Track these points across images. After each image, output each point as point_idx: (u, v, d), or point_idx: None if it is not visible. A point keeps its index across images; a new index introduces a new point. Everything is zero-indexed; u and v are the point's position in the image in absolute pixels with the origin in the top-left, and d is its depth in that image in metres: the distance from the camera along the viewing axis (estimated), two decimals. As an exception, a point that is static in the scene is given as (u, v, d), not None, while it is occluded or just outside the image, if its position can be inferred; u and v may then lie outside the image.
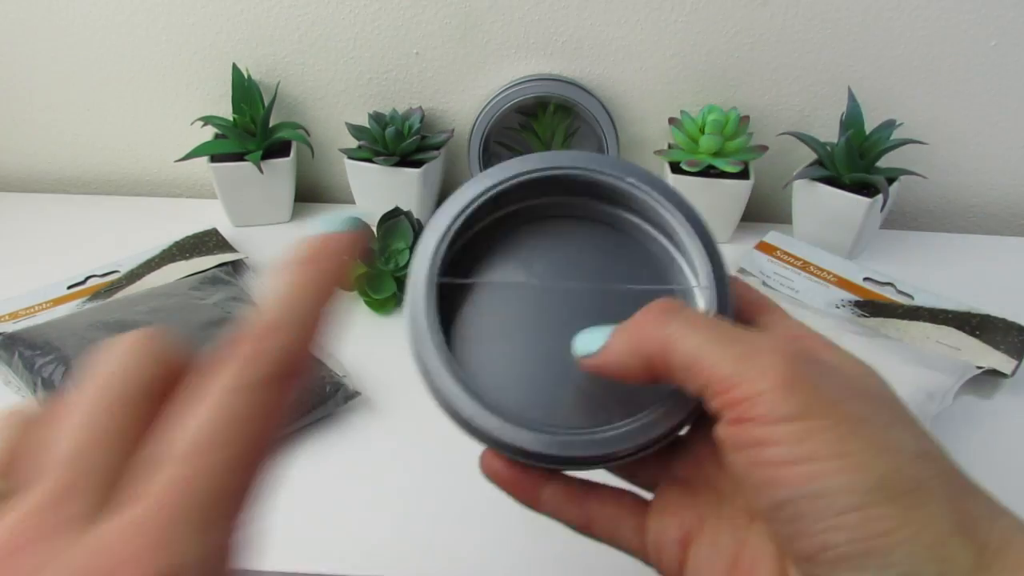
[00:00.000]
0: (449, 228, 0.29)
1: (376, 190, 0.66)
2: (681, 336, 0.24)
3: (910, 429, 0.23)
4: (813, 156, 0.65)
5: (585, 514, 0.30)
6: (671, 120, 0.65)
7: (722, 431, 0.24)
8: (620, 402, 0.27)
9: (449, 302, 0.29)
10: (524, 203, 0.31)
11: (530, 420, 0.27)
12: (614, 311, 0.28)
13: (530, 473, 0.29)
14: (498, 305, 0.30)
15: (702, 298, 0.28)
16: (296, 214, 0.70)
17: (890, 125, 0.62)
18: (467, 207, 0.29)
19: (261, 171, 0.65)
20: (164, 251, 0.62)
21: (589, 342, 0.26)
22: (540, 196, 0.31)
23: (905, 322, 0.55)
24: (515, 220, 0.31)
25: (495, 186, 0.29)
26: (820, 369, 0.23)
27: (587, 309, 0.29)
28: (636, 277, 0.30)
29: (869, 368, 0.26)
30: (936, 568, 0.21)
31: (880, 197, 0.60)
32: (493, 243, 0.31)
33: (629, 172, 0.29)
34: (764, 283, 0.60)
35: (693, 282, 0.29)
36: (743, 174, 0.63)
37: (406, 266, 0.57)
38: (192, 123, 0.68)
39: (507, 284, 0.30)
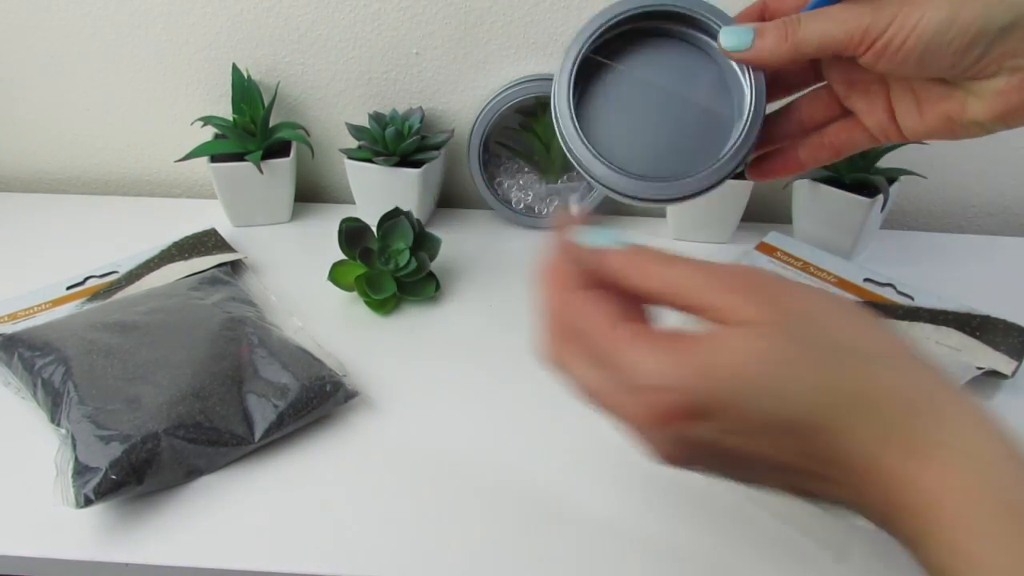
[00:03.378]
0: (597, 27, 0.41)
1: (376, 190, 0.66)
2: (807, 26, 0.36)
3: None
4: (813, 156, 0.65)
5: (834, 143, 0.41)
6: (671, 120, 0.65)
7: (865, 61, 0.35)
8: (698, 155, 0.41)
9: (584, 86, 0.42)
10: (637, 24, 0.42)
11: (629, 171, 0.40)
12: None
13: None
14: (619, 90, 0.43)
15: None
16: (296, 214, 0.70)
17: (890, 125, 0.62)
18: (608, 20, 0.41)
19: (261, 171, 0.65)
20: (163, 251, 0.62)
21: (738, 41, 0.38)
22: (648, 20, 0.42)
23: (906, 323, 0.55)
24: (632, 35, 0.43)
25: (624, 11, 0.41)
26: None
27: (679, 104, 0.42)
28: (711, 84, 0.42)
29: None
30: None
31: (880, 197, 0.60)
32: (618, 50, 0.43)
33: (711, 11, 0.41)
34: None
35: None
36: (743, 174, 0.63)
37: (406, 266, 0.57)
38: (192, 123, 0.68)
39: (625, 73, 0.43)
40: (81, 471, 0.41)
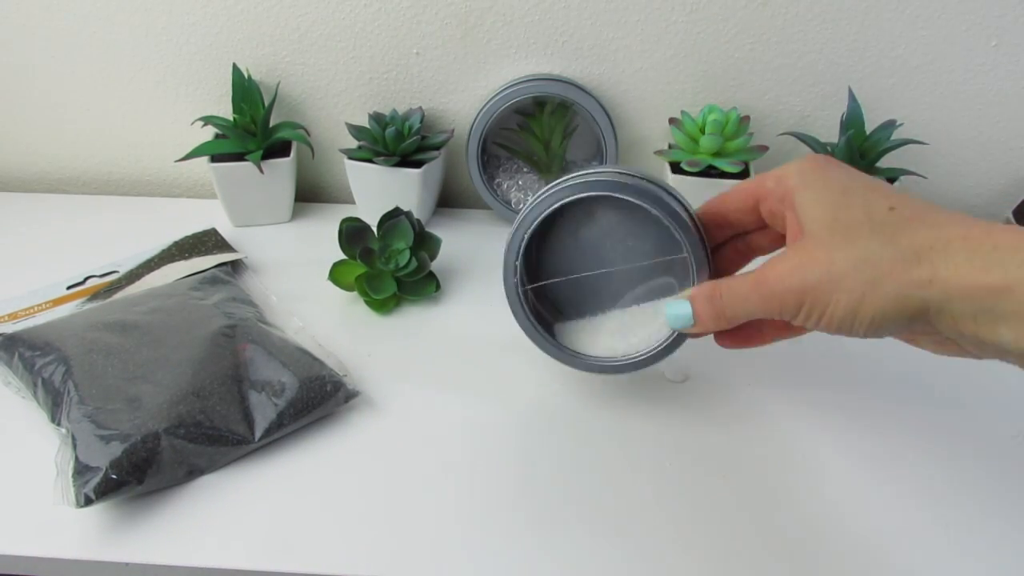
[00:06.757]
0: (520, 241, 0.45)
1: (376, 190, 0.66)
2: (731, 304, 0.40)
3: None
4: (813, 156, 0.65)
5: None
6: (671, 120, 0.65)
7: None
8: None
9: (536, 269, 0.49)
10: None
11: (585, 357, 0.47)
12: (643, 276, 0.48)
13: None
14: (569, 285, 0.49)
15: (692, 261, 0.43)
16: (296, 214, 0.70)
17: (890, 125, 0.62)
18: (535, 219, 0.45)
19: (261, 171, 0.65)
20: (163, 251, 0.62)
21: (680, 320, 0.42)
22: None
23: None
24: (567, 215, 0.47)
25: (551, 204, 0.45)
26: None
27: (625, 279, 0.48)
28: (649, 251, 0.47)
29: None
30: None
31: (880, 197, 0.60)
32: (556, 235, 0.48)
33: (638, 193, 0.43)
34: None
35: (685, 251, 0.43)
36: (743, 174, 0.63)
37: (406, 266, 0.57)
38: (192, 123, 0.68)
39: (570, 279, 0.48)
40: (81, 471, 0.41)
